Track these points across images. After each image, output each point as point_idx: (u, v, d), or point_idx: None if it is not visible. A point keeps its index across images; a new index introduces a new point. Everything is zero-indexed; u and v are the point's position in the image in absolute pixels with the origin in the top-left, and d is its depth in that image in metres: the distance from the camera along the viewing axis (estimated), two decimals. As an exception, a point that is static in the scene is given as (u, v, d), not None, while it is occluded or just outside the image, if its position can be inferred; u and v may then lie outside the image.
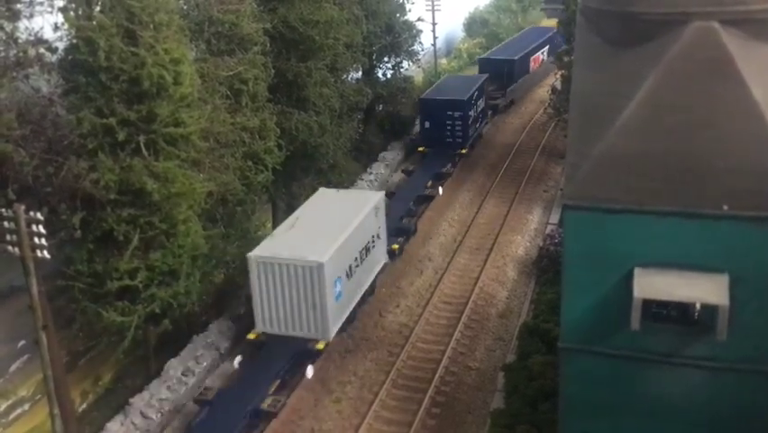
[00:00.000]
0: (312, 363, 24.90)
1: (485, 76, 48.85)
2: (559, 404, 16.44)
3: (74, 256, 21.40)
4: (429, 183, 39.57)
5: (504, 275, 31.48)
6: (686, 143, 13.94)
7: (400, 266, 31.94)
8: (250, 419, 21.97)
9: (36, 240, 18.42)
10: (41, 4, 19.43)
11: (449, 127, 42.96)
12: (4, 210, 18.58)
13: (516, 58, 54.19)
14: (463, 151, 43.34)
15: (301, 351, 24.75)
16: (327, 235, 25.61)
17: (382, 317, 28.44)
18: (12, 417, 22.95)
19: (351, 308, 26.81)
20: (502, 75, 52.39)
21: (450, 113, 42.57)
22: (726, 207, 13.45)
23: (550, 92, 43.41)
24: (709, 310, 13.87)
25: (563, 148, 30.18)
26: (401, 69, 48.54)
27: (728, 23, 14.04)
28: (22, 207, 18.22)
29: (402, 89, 47.67)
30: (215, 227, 26.08)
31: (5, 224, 18.47)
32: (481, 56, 57.79)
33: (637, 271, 14.08)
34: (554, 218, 34.97)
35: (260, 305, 25.17)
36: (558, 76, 41.68)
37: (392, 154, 44.65)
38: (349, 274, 26.27)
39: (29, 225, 18.28)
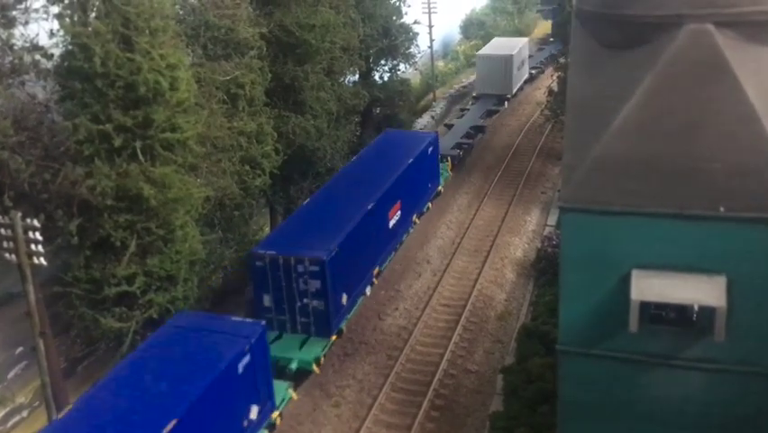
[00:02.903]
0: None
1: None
2: (557, 406, 16.44)
3: (71, 262, 21.40)
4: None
5: (502, 277, 31.47)
6: (682, 145, 13.96)
7: (398, 269, 31.95)
8: None
9: (33, 247, 18.44)
10: (37, 11, 19.47)
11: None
12: (0, 217, 18.58)
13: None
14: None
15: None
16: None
17: (381, 321, 28.43)
18: (10, 424, 22.92)
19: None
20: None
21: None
22: (722, 209, 13.47)
23: (547, 94, 43.43)
24: (707, 312, 13.87)
25: (561, 150, 30.19)
26: (398, 72, 48.56)
27: (723, 25, 14.08)
28: (19, 214, 18.24)
29: (399, 92, 47.65)
30: (213, 232, 26.09)
31: (2, 231, 18.47)
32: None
33: (635, 273, 14.09)
34: (552, 220, 34.97)
35: None
36: (554, 78, 41.71)
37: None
38: None
39: (26, 232, 18.29)
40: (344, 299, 26.05)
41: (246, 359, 19.93)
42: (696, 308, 14.37)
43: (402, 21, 47.55)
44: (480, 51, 57.94)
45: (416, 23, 49.64)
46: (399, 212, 31.77)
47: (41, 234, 18.41)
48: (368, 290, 28.88)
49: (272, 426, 22.03)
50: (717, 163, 13.61)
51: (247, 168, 26.77)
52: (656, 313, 14.62)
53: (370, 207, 28.30)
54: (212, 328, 20.73)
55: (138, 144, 20.65)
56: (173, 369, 18.86)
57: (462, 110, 54.01)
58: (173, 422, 16.83)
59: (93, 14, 20.05)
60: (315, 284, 24.60)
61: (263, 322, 21.54)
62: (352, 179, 31.51)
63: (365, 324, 28.15)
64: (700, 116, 13.96)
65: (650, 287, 13.91)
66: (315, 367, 24.49)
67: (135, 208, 21.14)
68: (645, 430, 15.41)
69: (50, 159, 20.10)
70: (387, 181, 30.68)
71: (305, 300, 24.88)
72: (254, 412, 20.62)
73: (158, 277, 22.19)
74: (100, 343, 23.38)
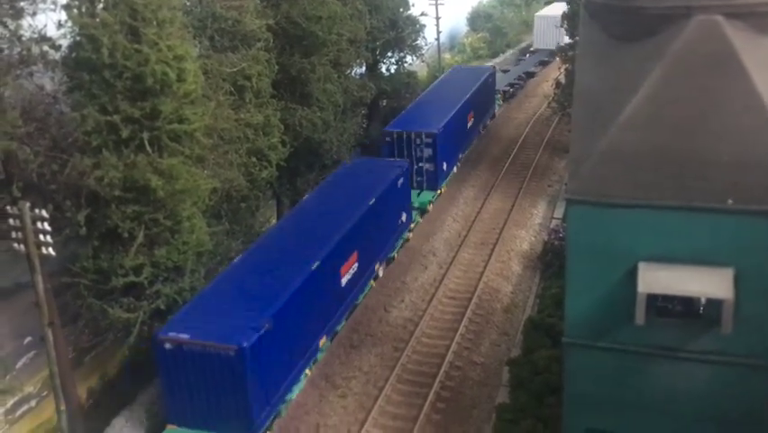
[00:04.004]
0: None
1: None
2: (563, 399, 16.46)
3: (79, 253, 21.49)
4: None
5: (508, 270, 31.46)
6: (690, 137, 13.91)
7: (405, 261, 31.97)
8: None
9: (41, 237, 18.51)
10: (45, 1, 19.45)
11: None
12: (9, 207, 18.66)
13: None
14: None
15: None
16: None
17: (387, 313, 28.47)
18: (19, 413, 23.07)
19: None
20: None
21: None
22: (730, 201, 13.42)
23: (554, 86, 43.31)
24: (714, 304, 13.85)
25: (568, 142, 30.13)
26: (405, 64, 48.46)
27: (732, 16, 14.01)
28: (28, 205, 18.30)
29: (406, 84, 47.60)
30: (220, 224, 26.14)
31: (11, 221, 18.54)
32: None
33: (642, 266, 14.06)
34: (559, 213, 34.94)
35: None
36: (562, 70, 41.58)
37: None
38: None
39: (34, 223, 18.36)
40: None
41: (401, 180, 31.61)
42: (703, 300, 14.35)
43: (409, 13, 47.51)
44: (538, 13, 72.36)
45: (422, 14, 49.56)
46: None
47: (50, 225, 18.47)
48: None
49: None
50: (726, 155, 13.56)
51: (254, 160, 26.80)
52: (663, 306, 14.60)
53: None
54: (378, 164, 33.61)
55: (145, 135, 20.66)
56: (360, 184, 29.67)
57: (519, 59, 68.99)
58: (372, 201, 28.04)
59: (101, 5, 20.03)
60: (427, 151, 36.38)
61: (408, 161, 34.25)
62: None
63: (371, 316, 28.21)
64: (709, 108, 13.90)
65: (657, 279, 13.88)
66: (428, 207, 36.28)
67: (143, 199, 21.18)
68: (651, 422, 15.40)
69: (58, 150, 20.17)
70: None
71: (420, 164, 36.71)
72: (404, 217, 32.44)
73: (165, 268, 22.26)
74: (108, 333, 23.47)
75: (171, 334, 20.15)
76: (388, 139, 36.59)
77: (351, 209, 27.27)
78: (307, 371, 23.79)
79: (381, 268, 30.13)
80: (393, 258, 31.62)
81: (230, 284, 22.61)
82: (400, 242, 32.28)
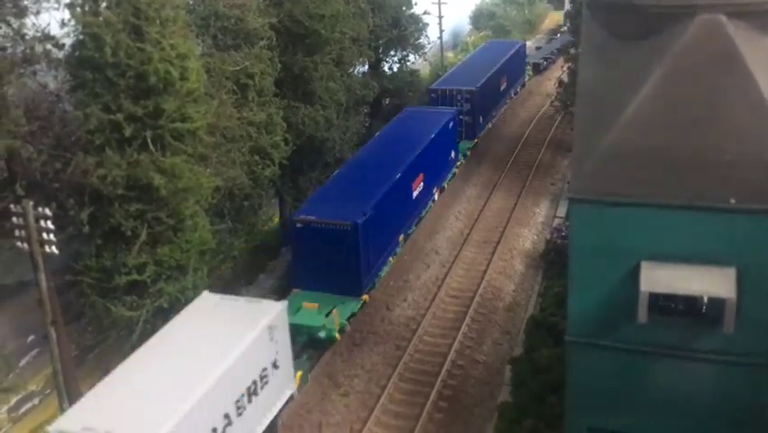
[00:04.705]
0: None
1: None
2: (565, 397, 16.47)
3: (82, 251, 21.51)
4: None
5: (511, 268, 31.46)
6: (693, 136, 13.90)
7: (407, 260, 31.98)
8: None
9: (45, 235, 18.57)
10: (48, 0, 19.49)
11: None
12: (12, 206, 18.70)
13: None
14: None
15: None
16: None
17: (389, 311, 28.50)
18: (22, 411, 23.15)
19: None
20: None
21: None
22: (733, 201, 13.41)
23: (557, 85, 43.24)
24: (717, 303, 13.84)
25: (570, 141, 30.11)
26: (408, 63, 48.42)
27: (735, 15, 14.00)
28: (31, 203, 18.36)
29: (409, 83, 47.59)
30: (223, 222, 26.17)
31: (14, 219, 18.59)
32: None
33: (644, 265, 14.07)
34: (561, 212, 34.92)
35: None
36: (565, 69, 41.51)
37: None
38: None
39: (37, 221, 18.41)
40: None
41: (451, 123, 38.39)
42: (705, 299, 14.35)
43: (412, 11, 47.47)
44: None
45: (425, 13, 49.55)
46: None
47: (53, 223, 18.53)
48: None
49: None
50: (728, 154, 13.55)
51: (256, 158, 26.81)
52: (665, 304, 14.60)
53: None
54: (432, 111, 40.29)
55: (148, 134, 20.69)
56: (418, 127, 36.30)
57: (551, 38, 72.38)
58: (432, 135, 34.90)
59: (104, 4, 20.05)
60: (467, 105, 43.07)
61: (455, 110, 40.50)
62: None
63: (374, 314, 28.23)
64: (712, 107, 13.90)
65: (659, 278, 13.89)
66: (468, 153, 43.03)
67: (146, 198, 21.20)
68: (653, 421, 15.41)
69: (61, 148, 20.20)
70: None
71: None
72: (452, 154, 39.45)
73: (168, 266, 22.27)
74: (111, 331, 23.48)
75: (301, 216, 27.18)
76: (433, 95, 43.85)
77: (416, 142, 34.56)
78: (391, 259, 30.78)
79: (437, 193, 37.21)
80: (444, 187, 38.43)
81: (336, 186, 30.26)
82: (450, 174, 39.46)
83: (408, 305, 28.92)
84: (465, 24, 76.67)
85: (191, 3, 26.02)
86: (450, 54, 65.67)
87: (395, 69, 47.72)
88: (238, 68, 25.78)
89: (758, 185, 13.30)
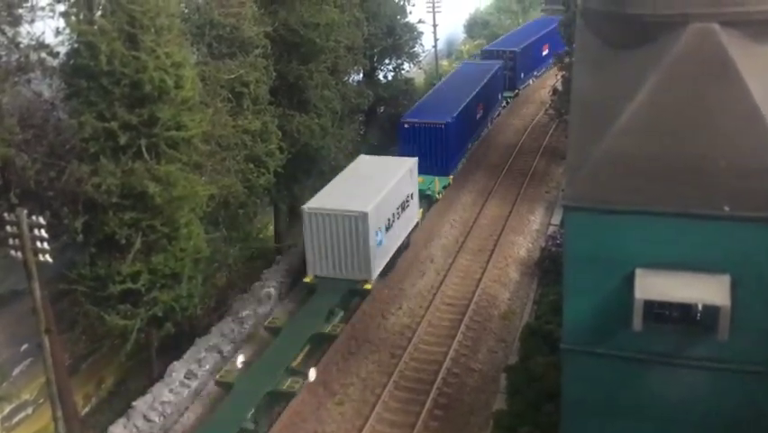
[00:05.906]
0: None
1: None
2: (561, 405, 16.47)
3: (76, 260, 21.45)
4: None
5: (506, 276, 31.47)
6: (686, 144, 13.97)
7: (402, 268, 31.97)
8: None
9: (38, 244, 18.47)
10: (43, 9, 19.49)
11: None
12: (6, 214, 18.64)
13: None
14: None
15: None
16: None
17: (384, 319, 28.46)
18: (15, 420, 23.00)
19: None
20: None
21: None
22: (727, 208, 13.48)
23: (551, 93, 43.42)
24: (711, 311, 13.89)
25: (565, 149, 30.19)
26: (402, 71, 48.53)
27: (728, 24, 14.09)
28: (25, 212, 18.27)
29: (403, 91, 47.67)
30: (217, 230, 26.11)
31: (8, 228, 18.52)
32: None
33: (639, 272, 14.11)
34: (556, 219, 34.94)
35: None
36: (559, 77, 41.69)
37: None
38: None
39: (31, 230, 18.33)
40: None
41: (500, 71, 51.27)
42: (700, 307, 14.39)
43: (406, 20, 47.56)
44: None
45: (420, 22, 49.65)
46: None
47: (47, 232, 18.42)
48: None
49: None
50: (722, 162, 13.63)
51: (251, 166, 26.77)
52: (660, 312, 14.64)
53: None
54: (482, 63, 53.19)
55: (143, 142, 20.65)
56: (478, 71, 49.50)
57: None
58: (488, 77, 48.39)
59: (99, 13, 20.05)
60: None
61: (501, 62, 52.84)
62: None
63: (369, 322, 28.19)
64: (705, 116, 13.97)
65: (654, 286, 13.93)
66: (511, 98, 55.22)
67: (140, 206, 21.14)
68: (649, 429, 15.43)
69: (55, 156, 20.15)
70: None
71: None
72: (499, 96, 52.09)
73: (162, 275, 22.19)
74: (105, 340, 23.43)
75: (408, 119, 39.51)
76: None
77: (478, 80, 46.98)
78: (464, 159, 43.24)
79: (490, 122, 49.96)
80: (492, 120, 50.40)
81: (430, 101, 43.33)
82: (497, 112, 51.87)
83: (403, 313, 28.89)
84: (459, 33, 76.88)
85: (186, 11, 26.03)
86: (444, 62, 65.86)
87: (390, 78, 47.79)
88: (233, 76, 25.78)
89: (752, 193, 13.37)
